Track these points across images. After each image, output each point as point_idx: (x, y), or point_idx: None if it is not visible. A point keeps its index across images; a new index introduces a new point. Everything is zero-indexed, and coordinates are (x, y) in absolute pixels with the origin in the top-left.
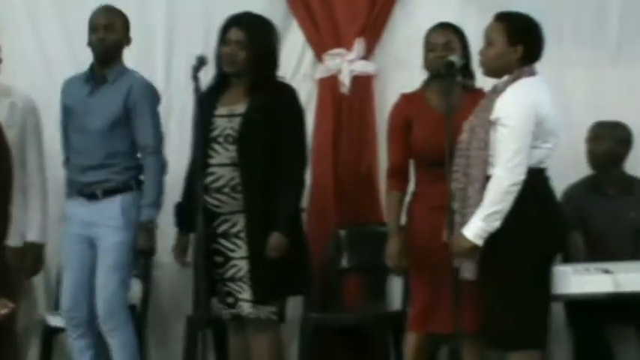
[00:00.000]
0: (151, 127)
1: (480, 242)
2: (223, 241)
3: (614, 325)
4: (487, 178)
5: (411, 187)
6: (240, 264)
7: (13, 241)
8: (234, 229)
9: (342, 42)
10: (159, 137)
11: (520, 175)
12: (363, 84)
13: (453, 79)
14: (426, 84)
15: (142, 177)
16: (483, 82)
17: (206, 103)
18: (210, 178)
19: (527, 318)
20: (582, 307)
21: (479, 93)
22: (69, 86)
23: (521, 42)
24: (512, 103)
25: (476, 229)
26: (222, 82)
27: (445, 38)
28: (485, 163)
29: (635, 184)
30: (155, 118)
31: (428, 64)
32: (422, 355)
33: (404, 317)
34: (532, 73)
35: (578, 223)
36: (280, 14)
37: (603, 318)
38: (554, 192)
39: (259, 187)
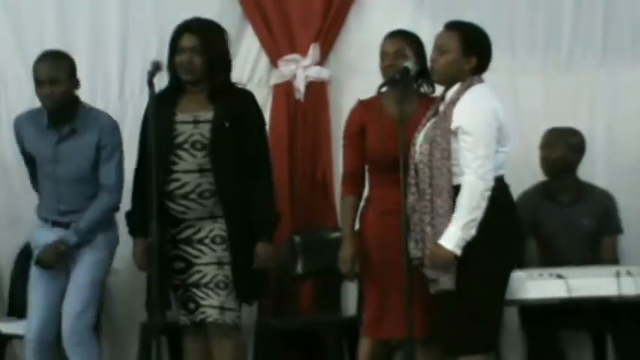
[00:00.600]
0: (114, 168)
1: (459, 252)
2: (186, 247)
3: (567, 330)
4: (454, 188)
5: (365, 192)
6: (205, 270)
7: None
8: (199, 235)
9: (297, 48)
10: (120, 178)
11: (491, 181)
12: (317, 90)
13: (407, 86)
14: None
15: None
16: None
17: (162, 109)
18: (174, 185)
19: (480, 323)
20: (536, 312)
21: (435, 100)
22: (27, 130)
23: (475, 53)
24: (472, 111)
25: (454, 238)
26: (176, 89)
27: (396, 46)
28: (450, 172)
29: (588, 191)
30: (120, 158)
31: (382, 72)
32: None
33: (358, 323)
34: (481, 82)
35: (532, 228)
36: (235, 20)
37: (557, 323)
38: (513, 199)
39: (234, 192)
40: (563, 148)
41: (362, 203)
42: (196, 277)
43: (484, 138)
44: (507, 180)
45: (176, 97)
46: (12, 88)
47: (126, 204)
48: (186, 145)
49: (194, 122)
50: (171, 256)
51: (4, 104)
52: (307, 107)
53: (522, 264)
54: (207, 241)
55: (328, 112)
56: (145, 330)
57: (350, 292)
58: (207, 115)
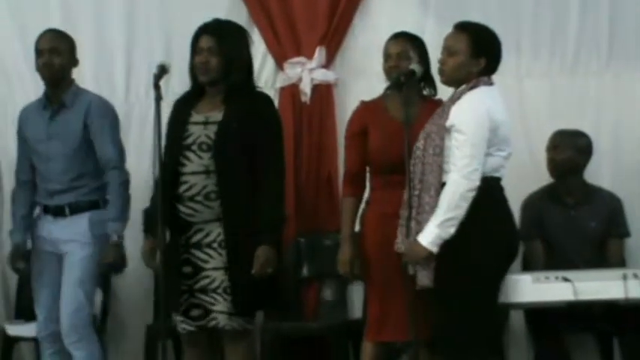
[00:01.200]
0: (110, 143)
1: (434, 249)
2: (195, 252)
3: (573, 333)
4: (442, 185)
5: (366, 194)
6: (213, 275)
7: None
8: (208, 239)
9: (303, 51)
10: (120, 152)
11: (476, 182)
12: (323, 92)
13: (411, 88)
14: (386, 92)
15: (107, 195)
16: (444, 90)
17: (180, 111)
18: (183, 187)
19: (475, 326)
20: (542, 315)
21: (438, 102)
22: (27, 115)
23: (484, 55)
24: (467, 110)
25: (431, 235)
26: (197, 91)
27: (399, 48)
28: (440, 169)
29: (595, 193)
30: (114, 133)
31: (385, 74)
32: None
33: (364, 326)
34: (489, 83)
35: (538, 231)
36: (241, 23)
37: (563, 326)
38: (507, 201)
39: (236, 196)
40: (570, 150)
41: (363, 205)
42: (205, 282)
43: (473, 137)
44: (513, 182)
45: (195, 99)
46: (18, 88)
47: (144, 202)
48: (194, 147)
49: (204, 123)
50: (181, 260)
51: (10, 105)
52: (313, 110)
53: (528, 266)
54: (215, 245)
55: (334, 114)
56: (151, 333)
57: (356, 295)
58: (217, 116)
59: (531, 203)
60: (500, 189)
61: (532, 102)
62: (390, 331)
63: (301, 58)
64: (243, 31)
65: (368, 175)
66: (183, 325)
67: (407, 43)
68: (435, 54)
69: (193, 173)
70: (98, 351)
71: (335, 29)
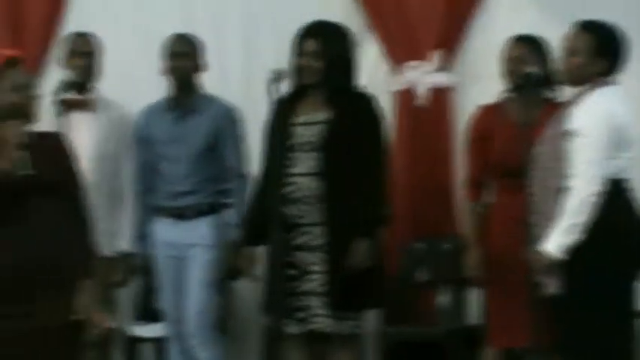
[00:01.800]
0: (237, 150)
1: (560, 256)
2: (300, 254)
3: None
4: (564, 190)
5: (490, 198)
6: (318, 278)
7: (103, 250)
8: (315, 242)
9: (419, 54)
10: (244, 160)
11: (597, 186)
12: (440, 96)
13: (531, 91)
14: (506, 96)
15: (226, 200)
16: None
17: (282, 112)
18: (290, 188)
19: (605, 336)
20: None
21: (560, 105)
22: (147, 117)
23: (607, 55)
24: (587, 113)
25: (555, 242)
26: (299, 93)
27: (518, 51)
28: (560, 174)
29: None
30: (240, 141)
31: (504, 77)
32: None
33: (481, 331)
34: (612, 84)
35: None
36: (356, 26)
37: None
38: (634, 203)
39: (342, 197)
40: None
41: (486, 209)
42: (311, 284)
43: (595, 142)
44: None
45: (297, 100)
46: (139, 90)
47: None
48: (299, 148)
49: (308, 124)
50: (285, 263)
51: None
52: (429, 114)
53: None
54: (320, 247)
55: (451, 118)
56: (270, 334)
57: (472, 301)
58: (321, 116)
59: None
60: (625, 191)
61: None
62: (514, 336)
63: (417, 62)
64: (347, 32)
65: (491, 179)
66: (288, 328)
67: (526, 47)
68: (556, 55)
69: (301, 174)
70: (221, 355)
71: (451, 32)
